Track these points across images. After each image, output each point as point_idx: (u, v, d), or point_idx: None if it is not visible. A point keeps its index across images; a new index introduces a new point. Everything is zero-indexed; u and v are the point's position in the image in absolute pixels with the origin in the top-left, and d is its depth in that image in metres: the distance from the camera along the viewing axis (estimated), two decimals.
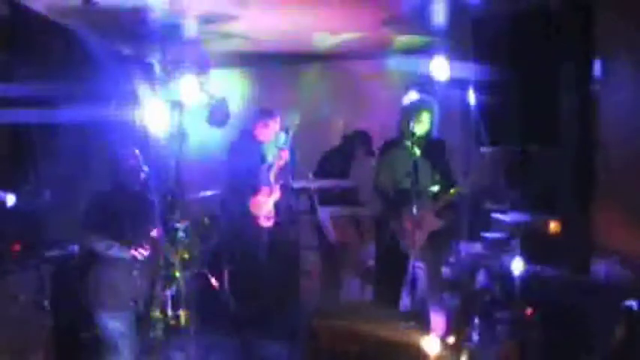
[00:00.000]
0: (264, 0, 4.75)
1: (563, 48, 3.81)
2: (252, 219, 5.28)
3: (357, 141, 6.07)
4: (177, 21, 5.05)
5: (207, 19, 5.16)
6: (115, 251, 3.87)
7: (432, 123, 4.61)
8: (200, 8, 4.87)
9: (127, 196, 4.01)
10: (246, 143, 5.48)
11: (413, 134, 4.45)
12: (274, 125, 5.46)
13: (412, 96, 5.22)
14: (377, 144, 5.71)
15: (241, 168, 5.30)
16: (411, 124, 4.45)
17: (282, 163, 5.32)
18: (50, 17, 4.77)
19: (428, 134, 4.62)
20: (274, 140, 5.50)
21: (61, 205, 4.64)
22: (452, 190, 4.59)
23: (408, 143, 4.53)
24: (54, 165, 4.75)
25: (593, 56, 3.84)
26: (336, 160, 6.07)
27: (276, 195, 5.37)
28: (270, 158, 5.50)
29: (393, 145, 4.80)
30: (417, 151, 4.46)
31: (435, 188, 4.66)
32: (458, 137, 5.49)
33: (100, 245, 3.87)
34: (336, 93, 6.75)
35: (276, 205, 5.44)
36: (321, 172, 5.94)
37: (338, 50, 6.40)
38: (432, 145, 4.66)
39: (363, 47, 6.25)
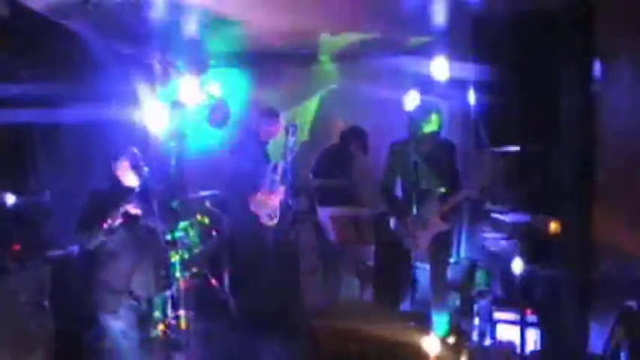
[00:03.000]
0: (265, 0, 4.76)
1: (563, 48, 3.81)
2: (255, 219, 5.29)
3: (351, 137, 6.08)
4: (177, 20, 5.05)
5: (207, 19, 5.16)
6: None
7: (439, 124, 4.61)
8: (202, 8, 4.87)
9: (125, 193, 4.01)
10: (249, 143, 5.48)
11: (421, 135, 4.45)
12: (279, 125, 5.48)
13: (413, 96, 5.23)
14: (376, 144, 5.72)
15: (244, 167, 5.30)
16: (419, 126, 4.46)
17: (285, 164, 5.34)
18: (50, 17, 4.77)
19: (436, 136, 4.62)
20: (281, 141, 5.50)
21: (61, 205, 4.64)
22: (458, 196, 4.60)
23: (416, 145, 4.53)
24: (54, 165, 4.75)
25: (593, 56, 3.84)
26: (333, 159, 6.07)
27: (281, 194, 5.37)
28: (275, 158, 5.50)
29: (401, 146, 4.79)
30: (425, 153, 4.45)
31: (442, 190, 4.65)
32: (458, 138, 5.50)
33: (97, 239, 3.86)
34: (336, 93, 6.75)
35: (278, 204, 5.45)
36: (318, 171, 5.94)
37: (339, 50, 6.40)
38: (440, 146, 4.66)
39: (363, 47, 6.25)
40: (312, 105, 6.87)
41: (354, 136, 6.09)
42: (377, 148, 5.65)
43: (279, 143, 5.51)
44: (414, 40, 5.95)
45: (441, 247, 4.70)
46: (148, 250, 4.10)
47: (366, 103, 6.42)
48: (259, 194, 5.27)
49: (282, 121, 5.52)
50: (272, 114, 5.51)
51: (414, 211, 4.54)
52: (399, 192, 4.86)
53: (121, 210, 3.83)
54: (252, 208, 5.27)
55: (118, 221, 3.83)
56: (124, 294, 3.95)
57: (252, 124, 5.59)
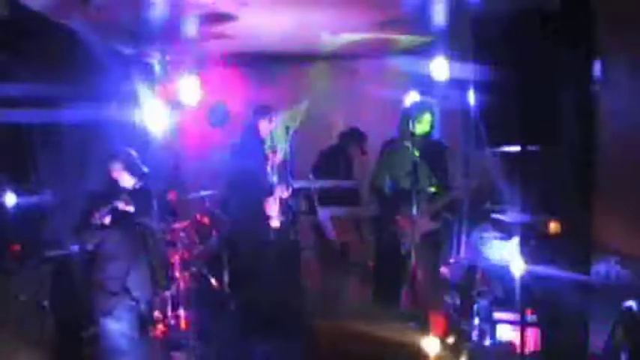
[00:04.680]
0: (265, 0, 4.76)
1: (563, 48, 3.80)
2: (265, 220, 5.28)
3: (350, 139, 6.07)
4: (177, 20, 5.05)
5: (208, 19, 5.17)
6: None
7: (432, 125, 4.62)
8: (201, 8, 4.87)
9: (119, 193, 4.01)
10: (249, 142, 5.47)
11: (412, 135, 4.45)
12: (274, 120, 5.50)
13: (413, 97, 5.23)
14: (377, 144, 5.71)
15: (246, 167, 5.30)
16: (411, 125, 4.46)
17: (277, 160, 5.34)
18: (50, 17, 4.77)
19: (427, 136, 4.62)
20: (272, 138, 5.51)
21: (61, 205, 4.64)
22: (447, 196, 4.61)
23: (407, 144, 4.53)
24: (54, 165, 4.75)
25: (593, 56, 3.83)
26: (331, 159, 6.07)
27: (283, 194, 5.38)
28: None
29: (392, 145, 4.80)
30: (416, 152, 4.46)
31: (432, 190, 4.66)
32: (458, 137, 5.49)
33: (91, 237, 3.86)
34: (336, 93, 6.75)
35: (280, 205, 5.45)
36: (317, 172, 5.94)
37: (338, 50, 6.40)
38: (431, 146, 4.66)
39: (363, 47, 6.25)
40: (311, 105, 6.87)
41: (353, 137, 6.09)
42: (377, 148, 5.65)
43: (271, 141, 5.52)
44: (414, 40, 5.95)
45: (431, 246, 4.70)
46: (144, 251, 4.09)
47: (365, 103, 6.42)
48: (272, 197, 5.27)
49: (276, 117, 5.53)
50: (266, 109, 5.53)
51: (404, 210, 4.55)
52: (389, 191, 4.86)
53: (110, 206, 3.82)
54: (268, 210, 5.26)
55: (107, 218, 3.82)
56: (119, 295, 3.94)
57: (249, 123, 5.59)
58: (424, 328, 4.26)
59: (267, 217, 5.29)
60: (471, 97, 4.54)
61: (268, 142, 5.43)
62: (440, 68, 4.87)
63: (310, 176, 5.80)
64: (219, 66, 6.82)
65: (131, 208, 3.91)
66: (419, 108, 4.65)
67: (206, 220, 5.67)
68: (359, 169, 6.06)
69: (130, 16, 4.82)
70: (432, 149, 4.66)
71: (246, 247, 5.39)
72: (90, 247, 3.95)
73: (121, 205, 3.86)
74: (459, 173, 5.06)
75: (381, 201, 4.84)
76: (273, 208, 5.30)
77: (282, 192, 5.33)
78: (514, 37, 3.77)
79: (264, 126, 5.47)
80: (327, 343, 3.85)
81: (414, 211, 4.38)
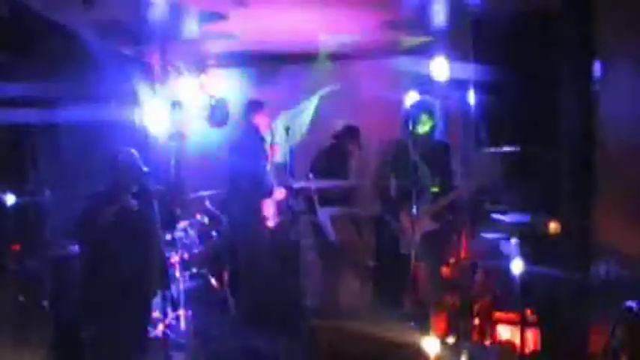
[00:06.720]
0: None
1: (563, 48, 3.81)
2: (259, 219, 5.29)
3: (346, 136, 6.07)
4: (177, 20, 5.05)
5: (207, 19, 5.17)
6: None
7: (434, 125, 4.62)
8: (201, 8, 4.88)
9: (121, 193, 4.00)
10: (248, 141, 5.47)
11: (415, 135, 4.46)
12: (267, 115, 5.53)
13: (414, 97, 5.23)
14: (376, 144, 5.72)
15: (245, 167, 5.30)
16: (413, 125, 4.47)
17: (276, 155, 5.38)
18: (50, 17, 4.77)
19: (430, 135, 4.63)
20: (271, 134, 5.52)
21: (61, 205, 4.64)
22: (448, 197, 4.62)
23: (410, 144, 4.53)
24: (54, 165, 4.75)
25: (593, 56, 3.84)
26: (330, 159, 6.07)
27: (281, 195, 5.38)
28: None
29: (395, 145, 4.80)
30: (419, 152, 4.47)
31: (435, 190, 4.66)
32: (458, 138, 5.49)
33: (93, 238, 3.86)
34: (335, 93, 6.75)
35: (277, 205, 5.46)
36: (316, 171, 5.94)
37: (338, 51, 6.40)
38: (434, 146, 4.67)
39: (363, 48, 6.25)
40: (311, 105, 6.87)
41: (349, 134, 6.08)
42: (376, 148, 5.65)
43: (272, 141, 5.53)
44: (415, 41, 5.95)
45: (432, 246, 4.70)
46: (145, 251, 4.08)
47: (365, 103, 6.42)
48: (270, 197, 5.28)
49: (271, 113, 5.57)
50: (258, 104, 5.55)
51: (407, 209, 4.56)
52: (392, 190, 4.87)
53: (112, 207, 3.81)
54: (265, 211, 5.27)
55: (110, 219, 3.81)
56: (120, 295, 3.93)
57: (245, 121, 5.60)
58: (424, 328, 4.26)
59: (265, 218, 5.30)
60: (471, 97, 4.54)
61: (268, 139, 5.44)
62: (440, 68, 4.87)
63: (310, 176, 5.80)
64: (219, 66, 6.82)
65: (132, 209, 3.91)
66: (421, 108, 4.66)
67: (206, 220, 5.68)
68: (358, 168, 6.06)
69: (129, 15, 4.82)
70: (435, 149, 4.67)
71: (245, 247, 5.40)
72: (90, 247, 3.94)
73: (122, 206, 3.86)
74: (458, 173, 5.07)
75: (383, 201, 4.84)
76: (270, 209, 5.31)
77: (280, 194, 5.35)
78: (514, 37, 3.78)
79: (261, 121, 5.47)
80: (327, 343, 3.86)
81: (414, 210, 4.38)
